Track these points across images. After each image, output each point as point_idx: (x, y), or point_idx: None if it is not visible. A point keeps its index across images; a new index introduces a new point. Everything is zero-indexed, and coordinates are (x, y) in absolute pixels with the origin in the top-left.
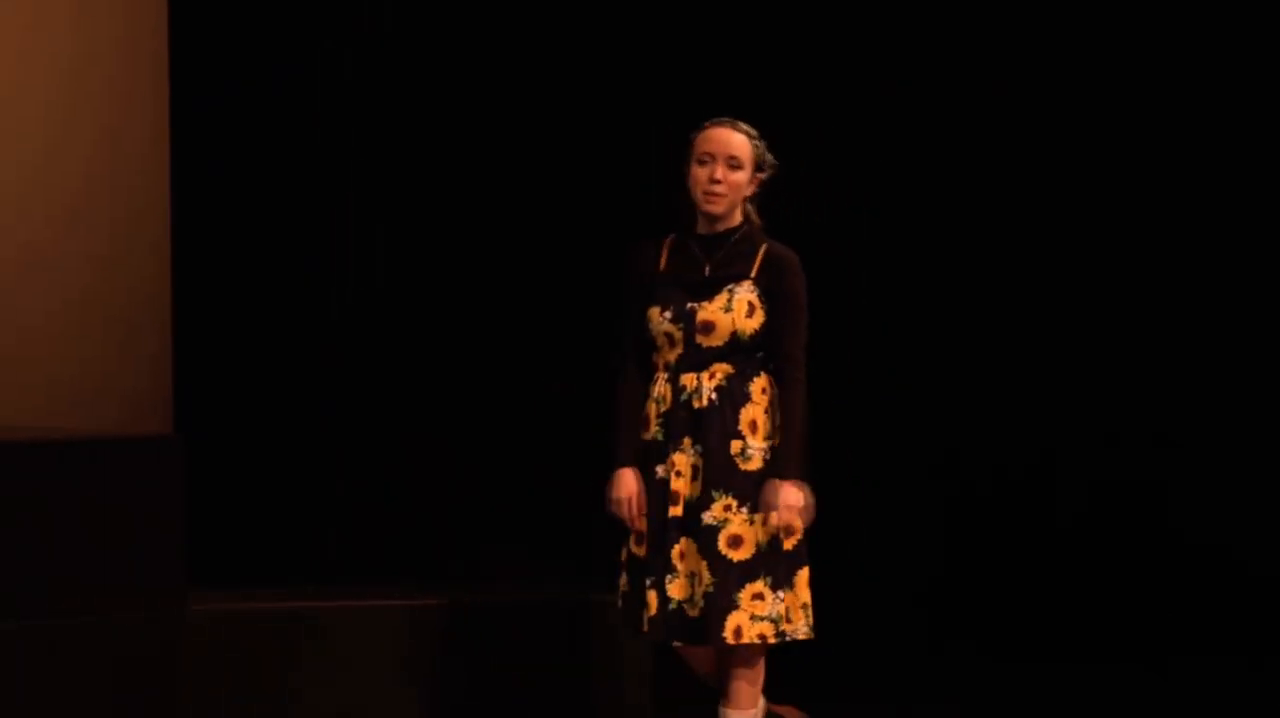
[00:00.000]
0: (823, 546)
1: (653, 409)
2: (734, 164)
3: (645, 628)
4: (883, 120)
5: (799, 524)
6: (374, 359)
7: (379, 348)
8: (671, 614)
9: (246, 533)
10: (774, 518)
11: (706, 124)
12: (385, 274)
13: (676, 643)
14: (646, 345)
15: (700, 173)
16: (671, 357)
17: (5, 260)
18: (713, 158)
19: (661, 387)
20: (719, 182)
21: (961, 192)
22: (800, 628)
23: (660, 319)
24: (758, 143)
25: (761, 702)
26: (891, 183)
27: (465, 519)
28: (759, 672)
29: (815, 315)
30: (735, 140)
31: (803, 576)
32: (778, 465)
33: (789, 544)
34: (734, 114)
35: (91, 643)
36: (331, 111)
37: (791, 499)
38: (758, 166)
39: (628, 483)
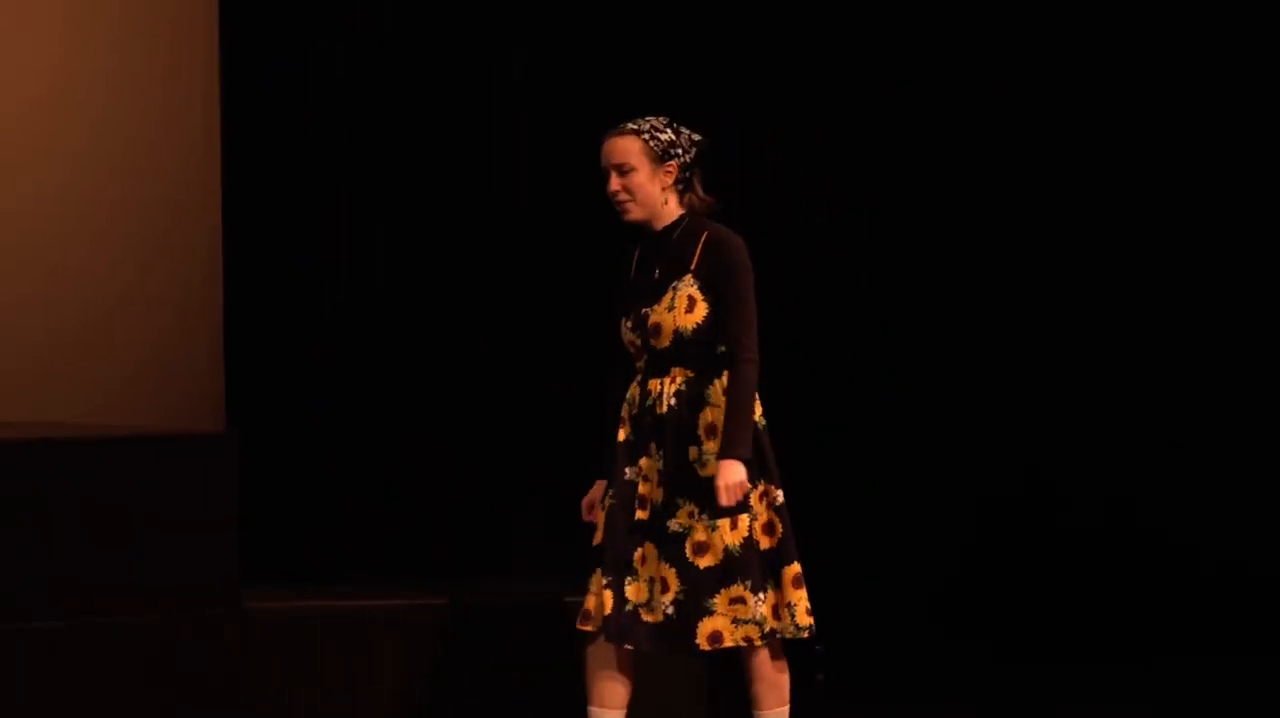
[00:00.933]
0: (824, 547)
1: (625, 412)
2: (625, 169)
3: (600, 625)
4: (884, 120)
5: (732, 502)
6: (426, 355)
7: (432, 343)
8: (626, 616)
9: (298, 530)
10: (722, 499)
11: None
12: (436, 270)
13: (628, 647)
14: (625, 354)
15: (607, 188)
16: (640, 363)
17: (60, 262)
18: (607, 171)
19: (633, 390)
20: (618, 190)
21: (960, 191)
22: (786, 627)
23: (625, 329)
24: (653, 135)
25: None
26: (892, 182)
27: (530, 517)
28: (781, 674)
29: (815, 313)
30: (619, 146)
31: (789, 574)
32: (720, 447)
33: (768, 544)
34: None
35: (144, 640)
36: (377, 108)
37: (729, 477)
38: (662, 156)
39: (593, 491)
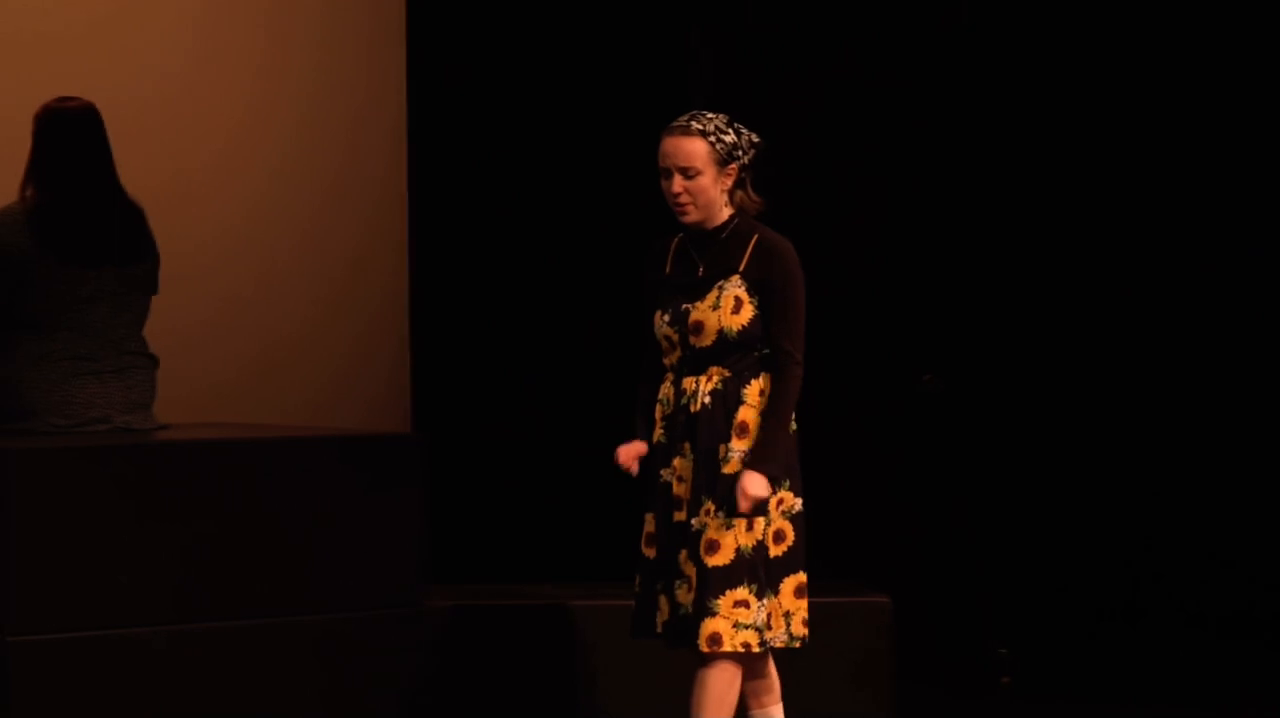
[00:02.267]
0: (1008, 549)
1: (658, 412)
2: (690, 172)
3: (659, 631)
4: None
5: (747, 509)
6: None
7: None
8: (682, 620)
9: (480, 530)
10: (740, 505)
11: (664, 130)
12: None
13: (686, 648)
14: (657, 348)
15: (663, 187)
16: (674, 359)
17: (254, 271)
18: (669, 171)
19: (666, 389)
20: (680, 193)
21: (962, 191)
22: (779, 636)
23: (660, 323)
24: (718, 137)
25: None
26: (907, 180)
27: None
28: (773, 672)
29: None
30: (686, 148)
31: (790, 583)
32: (750, 454)
33: (776, 551)
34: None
35: (330, 639)
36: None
37: (751, 488)
38: (726, 159)
39: (632, 446)
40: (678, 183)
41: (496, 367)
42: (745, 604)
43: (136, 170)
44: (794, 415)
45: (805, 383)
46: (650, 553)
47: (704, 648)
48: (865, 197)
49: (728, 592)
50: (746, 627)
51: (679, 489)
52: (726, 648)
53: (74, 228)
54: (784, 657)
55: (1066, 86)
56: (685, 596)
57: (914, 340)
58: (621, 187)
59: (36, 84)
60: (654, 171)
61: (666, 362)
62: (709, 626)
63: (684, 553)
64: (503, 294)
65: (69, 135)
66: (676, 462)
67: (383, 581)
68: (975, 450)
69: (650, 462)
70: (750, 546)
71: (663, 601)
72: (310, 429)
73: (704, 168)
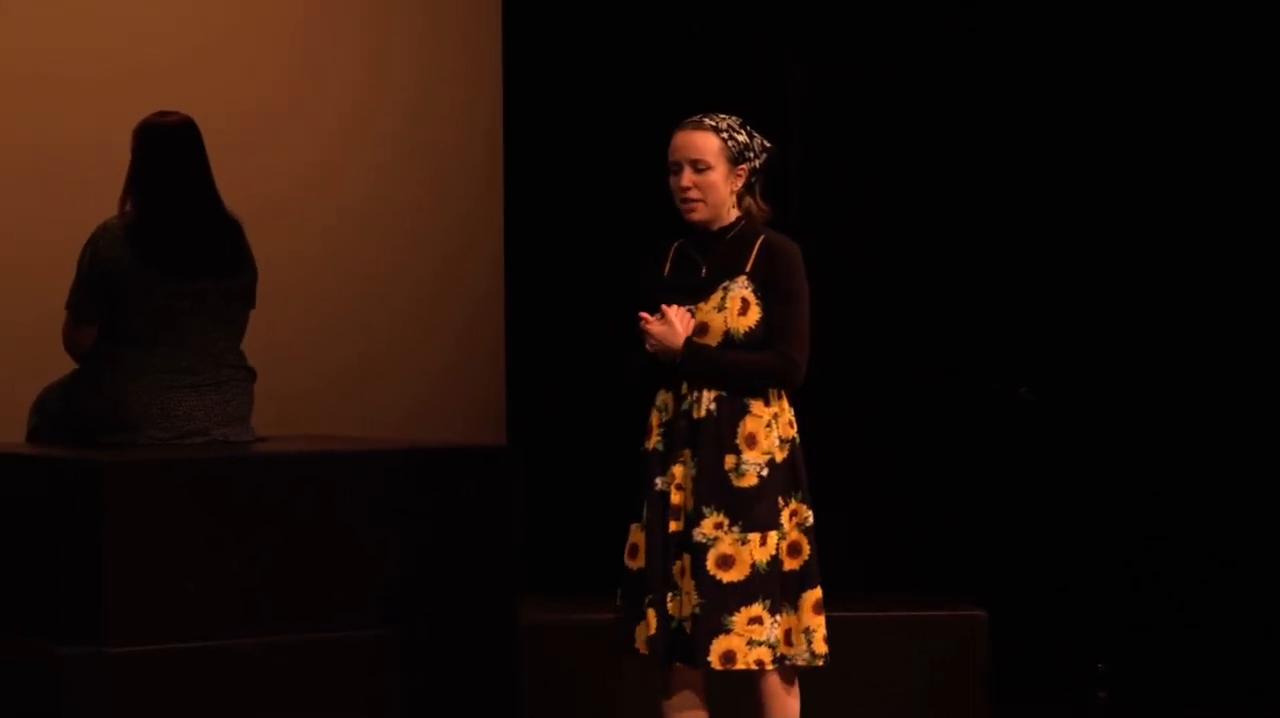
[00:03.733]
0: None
1: (655, 418)
2: (701, 167)
3: (643, 648)
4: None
5: (657, 332)
6: None
7: None
8: (673, 633)
9: (574, 542)
10: (655, 325)
11: (676, 128)
12: None
13: (679, 663)
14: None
15: (673, 182)
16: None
17: (350, 284)
18: (679, 165)
19: (664, 395)
20: (689, 188)
21: (1062, 202)
22: (801, 654)
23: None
24: (731, 135)
25: None
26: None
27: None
28: (793, 700)
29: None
30: (698, 142)
31: (809, 598)
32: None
33: (792, 565)
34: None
35: (426, 651)
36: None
37: (670, 338)
38: (737, 159)
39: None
40: (687, 176)
41: (591, 377)
42: (759, 621)
43: (234, 186)
44: (796, 426)
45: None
46: (635, 565)
47: (717, 666)
48: (962, 207)
49: (743, 608)
50: (760, 644)
51: (677, 498)
52: (739, 666)
53: (173, 241)
54: (878, 672)
55: (1153, 87)
56: (678, 608)
57: (1009, 353)
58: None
59: (142, 112)
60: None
61: (663, 363)
62: (723, 643)
63: (678, 565)
64: (598, 304)
65: (167, 149)
66: (676, 469)
67: (479, 593)
68: (1072, 462)
69: (644, 470)
70: (765, 561)
71: (651, 614)
72: (406, 441)
73: (715, 163)
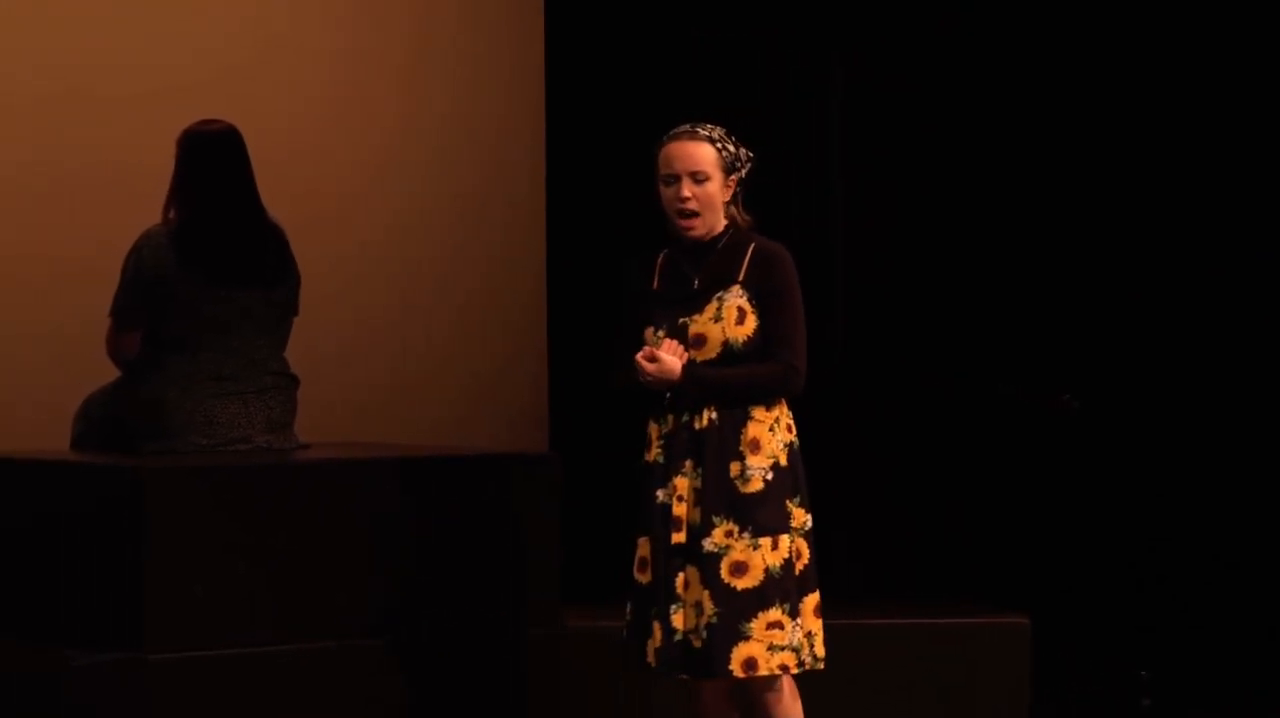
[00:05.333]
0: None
1: (654, 431)
2: (701, 178)
3: (651, 660)
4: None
5: (650, 369)
6: None
7: None
8: (675, 646)
9: (615, 550)
10: (649, 364)
11: (666, 137)
12: None
13: (683, 676)
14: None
15: (668, 194)
16: None
17: (394, 292)
18: (676, 177)
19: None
20: (688, 199)
21: (1113, 213)
22: (806, 657)
23: (655, 338)
24: (724, 145)
25: None
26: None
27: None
28: (796, 702)
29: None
30: (695, 153)
31: (810, 602)
32: (698, 367)
33: (799, 568)
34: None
35: (468, 658)
36: None
37: (667, 369)
38: (729, 169)
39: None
40: (687, 187)
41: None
42: (779, 626)
43: (279, 197)
44: (795, 429)
45: (944, 401)
46: (644, 578)
47: (739, 674)
48: (1008, 213)
49: (760, 614)
50: (782, 648)
51: (679, 510)
52: (763, 672)
53: (217, 248)
54: (920, 679)
55: (1201, 94)
56: (682, 621)
57: (1051, 360)
58: (763, 204)
59: (186, 124)
60: (792, 187)
61: None
62: (743, 650)
63: (682, 577)
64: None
65: (211, 156)
66: (678, 481)
67: (521, 600)
68: (1114, 469)
69: (644, 483)
70: (778, 565)
71: (656, 627)
72: (448, 448)
73: (712, 173)
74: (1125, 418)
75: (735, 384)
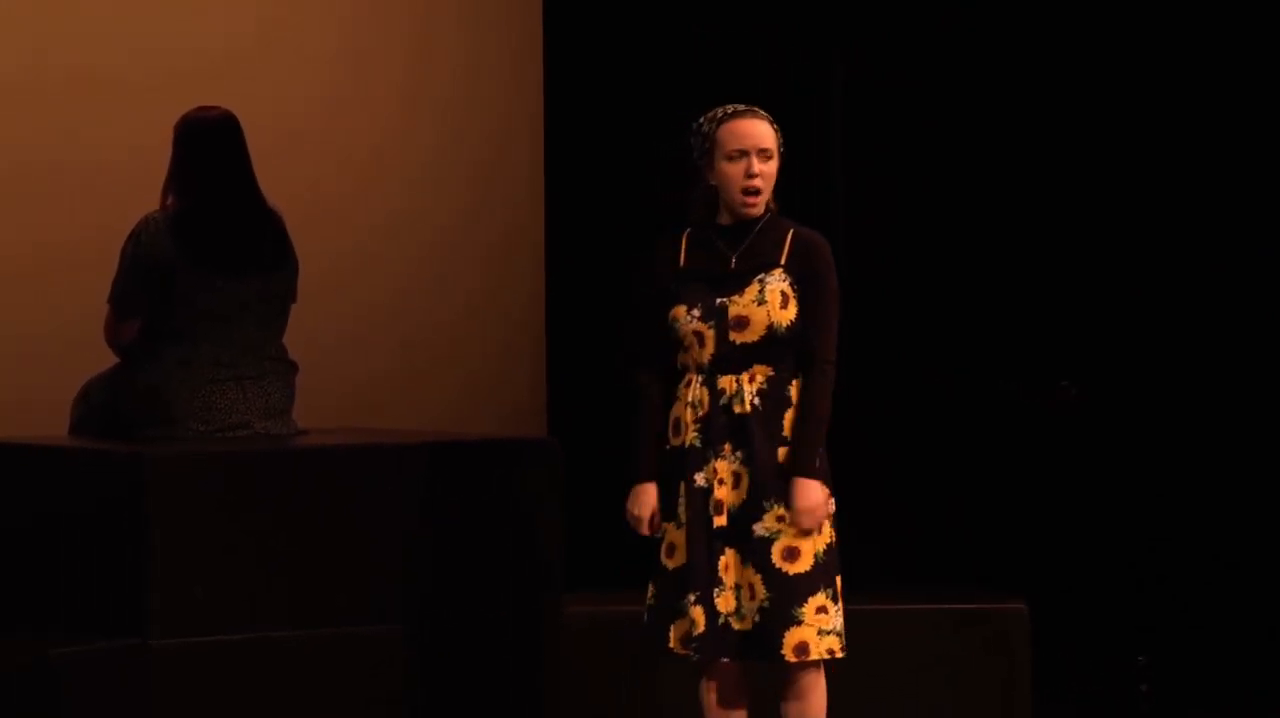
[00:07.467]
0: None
1: (688, 414)
2: (767, 155)
3: (676, 646)
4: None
5: (814, 525)
6: None
7: None
8: (720, 629)
9: (615, 536)
10: (802, 523)
11: (725, 114)
12: None
13: (723, 659)
14: (664, 350)
15: (733, 170)
16: (703, 357)
17: (394, 279)
18: (745, 153)
19: (696, 390)
20: (755, 176)
21: (1110, 197)
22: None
23: (688, 318)
24: (777, 128)
25: None
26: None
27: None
28: (824, 689)
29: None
30: (765, 130)
31: (837, 587)
32: (794, 461)
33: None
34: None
35: (469, 644)
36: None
37: (808, 501)
38: (780, 148)
39: (648, 499)
40: (756, 164)
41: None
42: (825, 610)
43: (279, 186)
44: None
45: (940, 389)
46: (673, 563)
47: (792, 658)
48: (1009, 208)
49: (809, 599)
50: (828, 633)
51: (720, 493)
52: (814, 656)
53: (215, 235)
54: (919, 665)
55: (1200, 88)
56: (726, 605)
57: (1051, 346)
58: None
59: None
60: (793, 183)
61: (688, 360)
62: (795, 634)
63: (723, 561)
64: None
65: (208, 143)
66: (719, 464)
67: (522, 586)
68: (1112, 455)
69: (672, 469)
70: (823, 549)
71: (697, 611)
72: (451, 434)
73: (775, 152)
74: (1125, 418)
75: (818, 429)
